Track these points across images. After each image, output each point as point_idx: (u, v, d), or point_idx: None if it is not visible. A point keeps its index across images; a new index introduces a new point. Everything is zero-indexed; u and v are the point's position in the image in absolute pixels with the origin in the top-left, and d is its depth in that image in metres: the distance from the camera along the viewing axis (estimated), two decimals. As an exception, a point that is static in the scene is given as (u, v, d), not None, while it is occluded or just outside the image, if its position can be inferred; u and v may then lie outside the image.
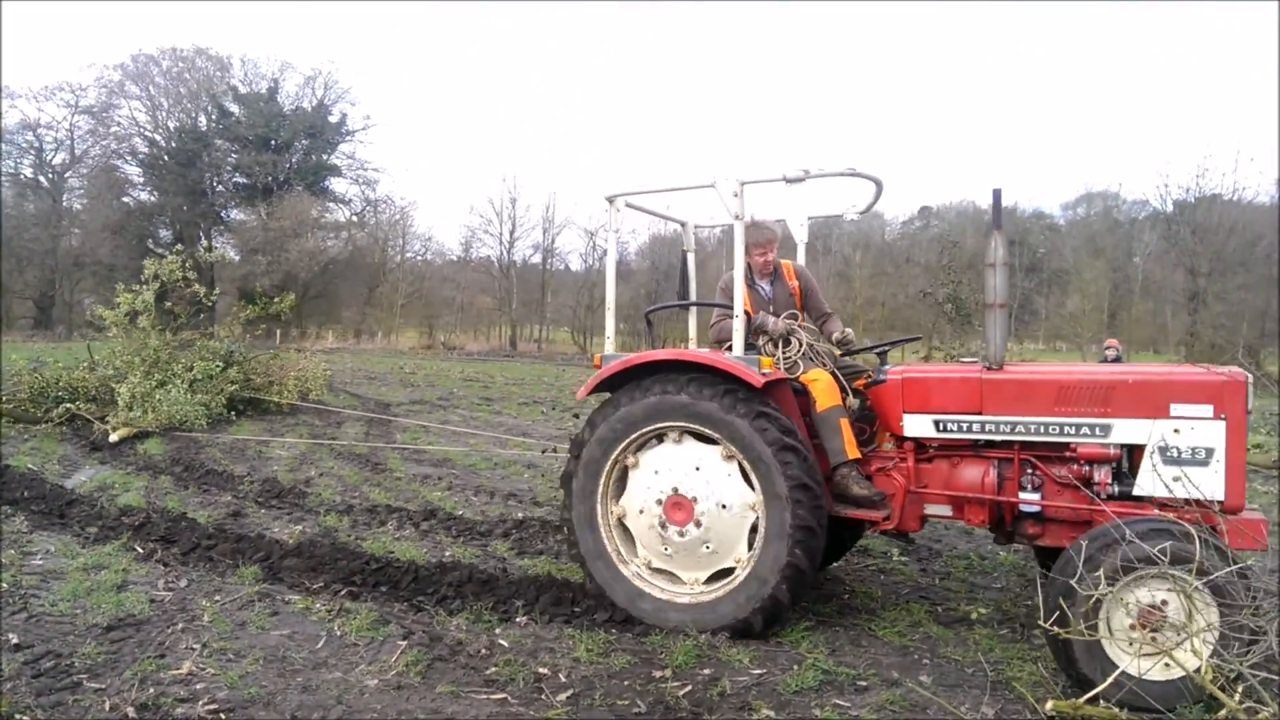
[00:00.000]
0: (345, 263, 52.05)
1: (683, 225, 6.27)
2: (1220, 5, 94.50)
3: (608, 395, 5.22)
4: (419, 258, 57.38)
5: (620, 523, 5.10)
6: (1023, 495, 4.62)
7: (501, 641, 4.60)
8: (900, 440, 5.00)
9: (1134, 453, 4.48)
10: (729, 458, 4.77)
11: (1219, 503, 4.18)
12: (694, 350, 5.39)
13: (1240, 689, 3.43)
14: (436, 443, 11.91)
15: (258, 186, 51.79)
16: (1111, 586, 3.74)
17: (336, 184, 56.88)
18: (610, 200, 5.38)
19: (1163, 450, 4.34)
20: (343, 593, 5.36)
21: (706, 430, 4.78)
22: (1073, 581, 3.72)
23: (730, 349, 5.05)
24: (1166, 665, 3.64)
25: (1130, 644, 3.77)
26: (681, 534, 4.85)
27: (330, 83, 54.87)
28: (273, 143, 52.80)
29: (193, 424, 11.83)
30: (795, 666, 4.31)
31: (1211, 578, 3.64)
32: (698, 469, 4.83)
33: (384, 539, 6.70)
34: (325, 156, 55.68)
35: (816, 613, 5.20)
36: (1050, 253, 45.99)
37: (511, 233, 54.94)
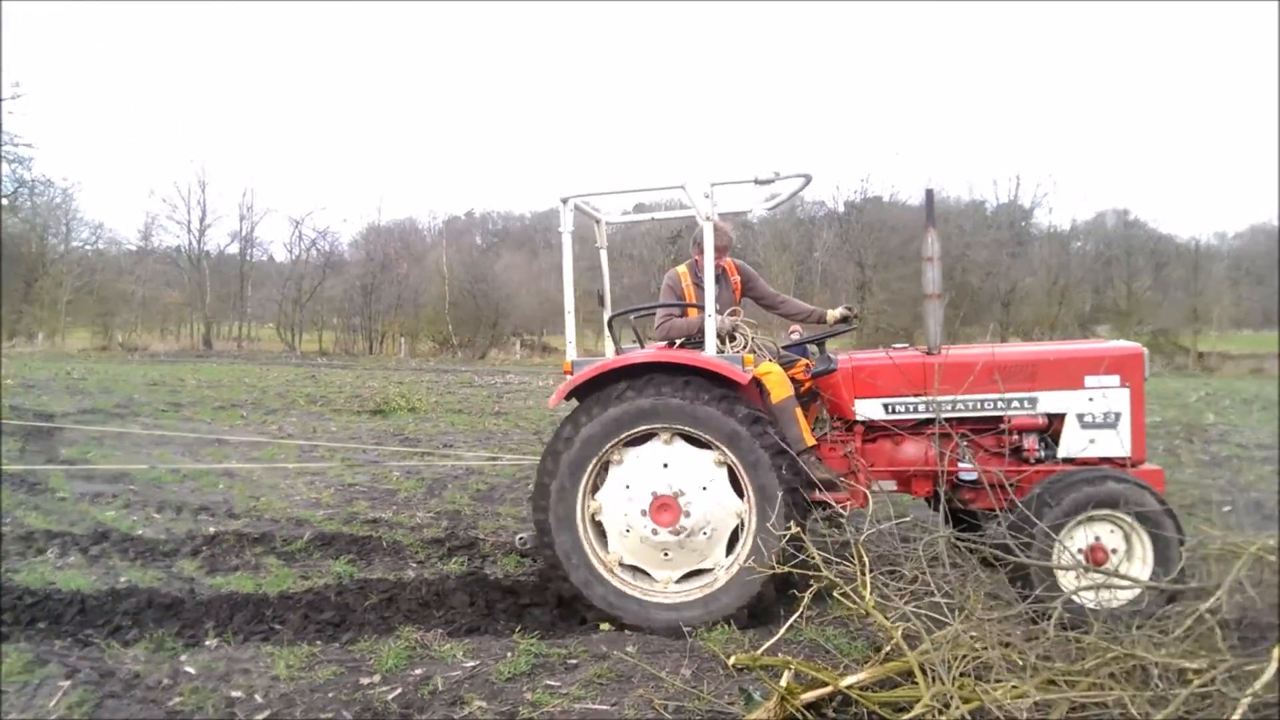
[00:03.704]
0: (-8, 253, 44.48)
1: (597, 222, 6.02)
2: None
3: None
4: (88, 247, 50.38)
5: (594, 519, 4.99)
6: (961, 465, 5.08)
7: (188, 669, 4.20)
8: (849, 424, 5.29)
9: (1055, 420, 5.06)
10: (720, 463, 4.80)
11: (1127, 458, 4.91)
12: (676, 351, 5.23)
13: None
14: (112, 457, 10.60)
15: None
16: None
17: (-21, 161, 48.46)
18: (564, 201, 5.13)
19: (1080, 417, 4.99)
20: (-14, 635, 4.62)
21: (698, 434, 4.77)
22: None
23: (678, 346, 5.32)
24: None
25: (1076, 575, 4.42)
26: (674, 532, 4.78)
27: (-36, 42, 46.68)
28: (-112, 110, 43.88)
29: None
30: (509, 654, 4.34)
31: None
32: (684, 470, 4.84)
33: (42, 569, 5.85)
34: (-37, 128, 47.20)
35: (531, 609, 5.28)
36: (745, 247, 49.96)
37: (202, 220, 50.05)
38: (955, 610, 3.84)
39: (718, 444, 4.78)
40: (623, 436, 4.86)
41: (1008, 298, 37.84)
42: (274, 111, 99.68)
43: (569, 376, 5.04)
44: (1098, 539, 4.58)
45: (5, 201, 47.14)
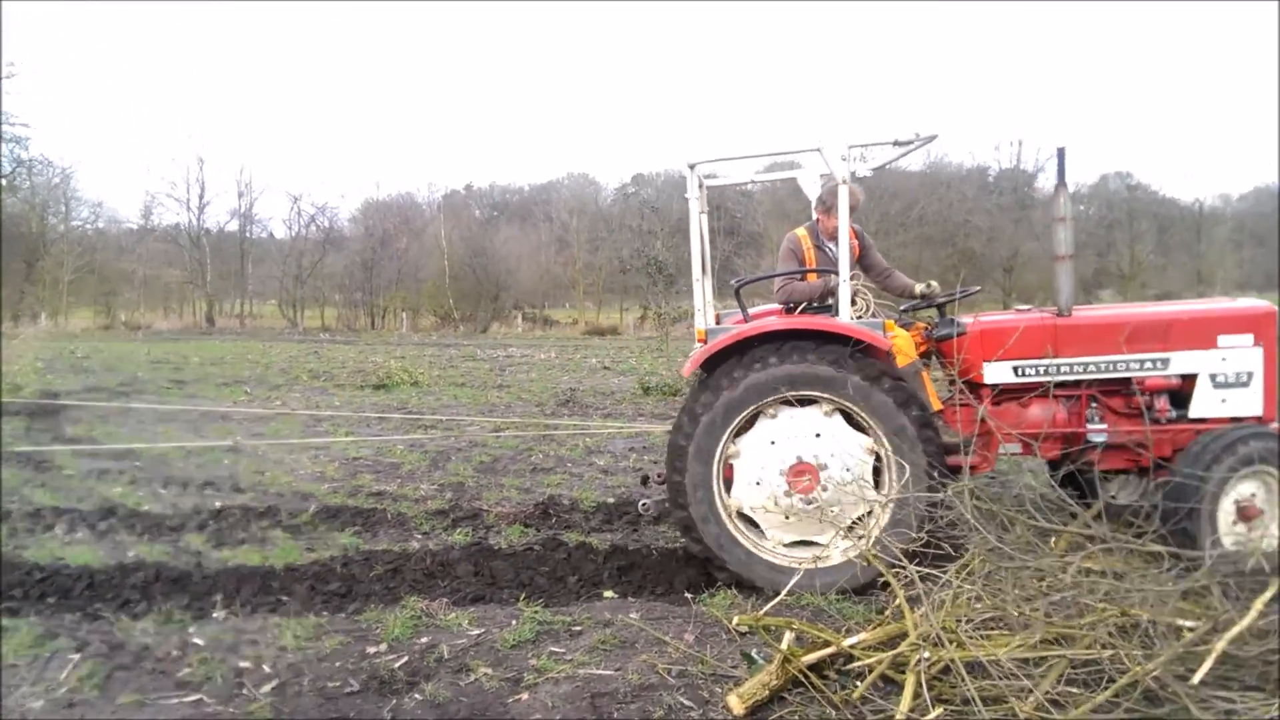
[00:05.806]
0: (-8, 234, 44.39)
1: (701, 185, 5.79)
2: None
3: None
4: (88, 226, 50.25)
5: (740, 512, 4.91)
6: (1090, 427, 5.08)
7: (196, 640, 4.25)
8: (973, 387, 5.19)
9: (1187, 381, 5.05)
10: (830, 413, 4.76)
11: (1257, 417, 4.93)
12: (816, 318, 5.14)
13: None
14: (118, 434, 10.65)
15: None
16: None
17: (-25, 141, 48.21)
18: (692, 167, 5.09)
19: (1212, 376, 4.99)
20: (-3, 611, 4.67)
21: (833, 399, 4.70)
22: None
23: (800, 311, 5.33)
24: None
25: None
26: (807, 501, 4.74)
27: (-45, 21, 46.27)
28: (-119, 91, 43.55)
29: None
30: (513, 622, 4.39)
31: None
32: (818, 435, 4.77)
33: (50, 545, 5.90)
34: (-43, 110, 46.88)
35: (534, 579, 5.32)
36: (745, 217, 49.72)
37: (201, 197, 49.85)
38: (960, 570, 3.88)
39: (869, 422, 4.72)
40: (766, 400, 4.77)
41: (1010, 263, 37.67)
42: (270, 86, 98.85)
43: (700, 345, 5.03)
44: (1250, 495, 4.64)
45: (4, 182, 47.03)
